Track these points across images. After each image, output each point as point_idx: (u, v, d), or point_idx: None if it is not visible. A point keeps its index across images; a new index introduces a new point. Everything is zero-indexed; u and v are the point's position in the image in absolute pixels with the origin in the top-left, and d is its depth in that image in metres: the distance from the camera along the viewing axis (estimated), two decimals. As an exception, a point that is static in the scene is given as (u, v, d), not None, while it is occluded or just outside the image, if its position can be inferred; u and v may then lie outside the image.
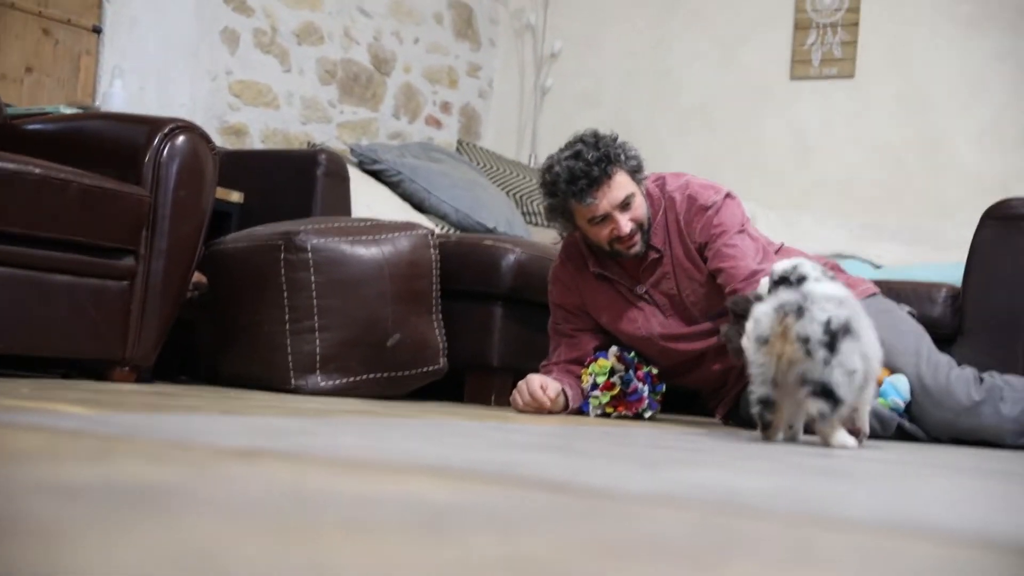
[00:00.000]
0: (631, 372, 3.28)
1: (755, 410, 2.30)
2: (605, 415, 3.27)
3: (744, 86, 5.62)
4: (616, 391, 3.26)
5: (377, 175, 4.60)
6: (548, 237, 5.11)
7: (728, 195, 3.26)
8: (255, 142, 4.70)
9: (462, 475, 1.13)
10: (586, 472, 1.28)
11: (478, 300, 3.68)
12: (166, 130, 3.10)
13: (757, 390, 2.27)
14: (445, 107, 5.71)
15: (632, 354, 3.31)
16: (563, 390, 3.22)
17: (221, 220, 3.71)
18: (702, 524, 0.94)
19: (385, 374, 3.38)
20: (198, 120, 3.38)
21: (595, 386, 3.27)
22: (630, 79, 5.89)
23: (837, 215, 5.38)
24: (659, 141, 5.75)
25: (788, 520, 0.99)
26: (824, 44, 5.49)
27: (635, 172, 3.18)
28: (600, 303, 3.36)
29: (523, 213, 5.14)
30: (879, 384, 3.15)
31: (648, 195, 3.26)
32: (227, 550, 0.65)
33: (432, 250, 3.49)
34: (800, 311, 2.19)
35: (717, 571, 0.72)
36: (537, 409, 3.16)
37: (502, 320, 3.68)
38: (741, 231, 3.20)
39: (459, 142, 5.58)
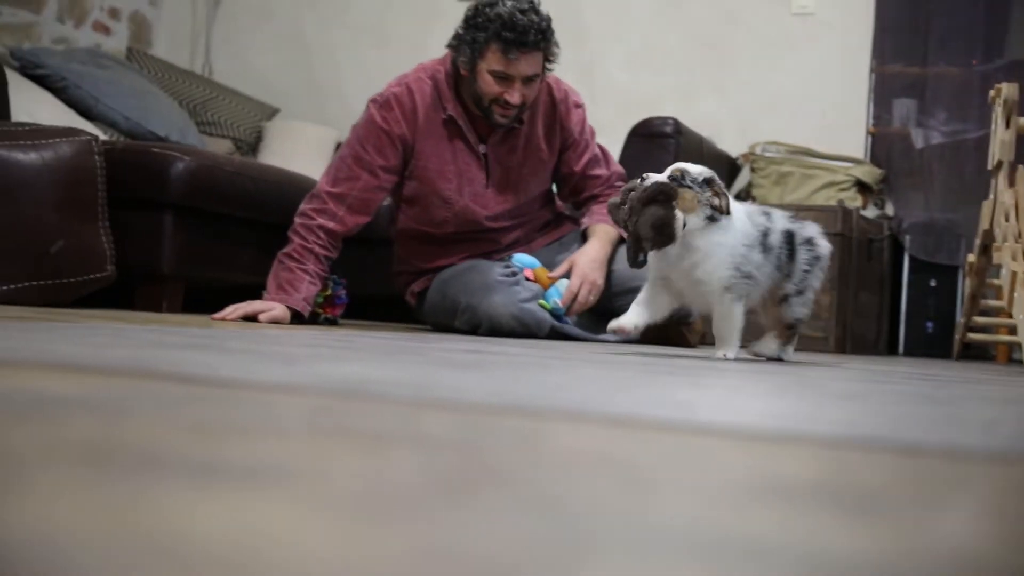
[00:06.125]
0: (338, 277, 3.35)
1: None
2: (314, 316, 3.28)
3: (414, 5, 5.63)
4: (328, 293, 3.30)
5: (40, 80, 4.33)
6: (223, 148, 4.98)
7: None
8: (-98, 42, 4.31)
9: (81, 369, 1.11)
10: (221, 366, 1.27)
11: (148, 208, 3.55)
12: None
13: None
14: (113, 13, 5.41)
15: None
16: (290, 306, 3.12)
17: None
18: (315, 407, 0.96)
19: (49, 281, 3.23)
20: None
21: None
22: (303, -7, 5.77)
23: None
24: (332, 56, 5.69)
25: (402, 403, 1.03)
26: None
27: (548, 61, 3.24)
28: (430, 148, 3.30)
29: (197, 123, 4.98)
30: (545, 288, 3.29)
31: None
32: None
33: (97, 156, 3.33)
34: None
35: (313, 445, 0.74)
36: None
37: (173, 228, 3.57)
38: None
39: (129, 50, 5.32)
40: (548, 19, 3.18)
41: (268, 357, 1.51)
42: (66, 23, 5.11)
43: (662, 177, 2.36)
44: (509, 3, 3.14)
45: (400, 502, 0.57)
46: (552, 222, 3.58)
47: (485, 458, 0.74)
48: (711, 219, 2.36)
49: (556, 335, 3.28)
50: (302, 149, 4.95)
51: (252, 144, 5.23)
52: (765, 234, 2.44)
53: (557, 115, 3.37)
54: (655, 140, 4.45)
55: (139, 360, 1.26)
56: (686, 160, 4.49)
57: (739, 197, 5.04)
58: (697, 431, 0.95)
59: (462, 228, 3.39)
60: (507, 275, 3.26)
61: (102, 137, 3.64)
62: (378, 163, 3.27)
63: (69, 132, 3.32)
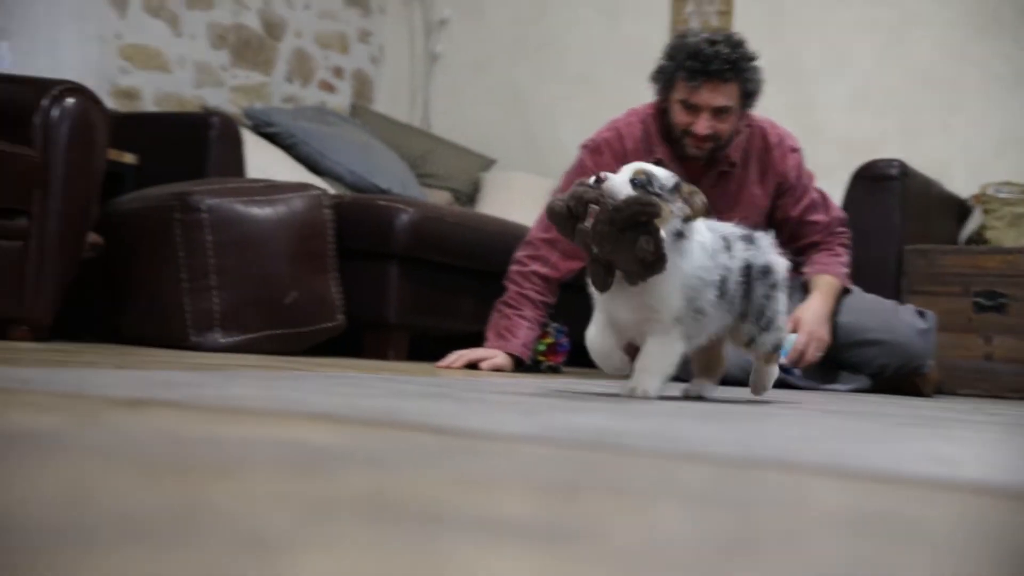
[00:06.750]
0: (560, 325, 3.35)
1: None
2: (536, 364, 3.30)
3: (626, 53, 5.65)
4: (550, 340, 3.32)
5: (271, 138, 4.55)
6: (443, 199, 5.11)
7: None
8: (148, 106, 4.59)
9: (344, 420, 1.14)
10: (466, 417, 1.29)
11: (374, 259, 3.67)
12: (55, 91, 3.04)
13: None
14: (337, 72, 5.64)
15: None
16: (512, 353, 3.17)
17: (116, 182, 3.64)
18: (564, 458, 0.96)
19: (284, 331, 3.36)
20: (88, 83, 3.29)
21: None
22: (517, 47, 5.88)
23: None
24: (547, 107, 5.76)
25: (649, 455, 1.02)
26: (702, 13, 5.54)
27: (747, 95, 3.15)
28: None
29: (417, 175, 5.12)
30: None
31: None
32: (102, 488, 0.65)
33: (326, 210, 3.47)
34: None
35: (572, 498, 0.74)
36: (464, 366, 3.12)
37: (398, 278, 3.67)
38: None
39: (352, 106, 5.53)
40: (744, 54, 3.08)
41: (505, 407, 1.53)
42: (294, 83, 5.36)
43: (624, 182, 1.92)
44: (703, 35, 3.12)
45: (678, 561, 0.56)
46: None
47: (755, 515, 0.72)
48: (678, 235, 1.95)
49: (781, 384, 3.21)
50: (519, 199, 5.02)
51: (470, 195, 5.34)
52: (724, 280, 2.04)
53: (771, 160, 3.30)
54: (880, 183, 4.32)
55: (391, 411, 1.29)
56: (914, 203, 4.36)
57: (971, 241, 4.84)
58: (970, 489, 0.91)
59: None
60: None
61: (330, 191, 3.78)
62: None
63: (301, 187, 3.46)
